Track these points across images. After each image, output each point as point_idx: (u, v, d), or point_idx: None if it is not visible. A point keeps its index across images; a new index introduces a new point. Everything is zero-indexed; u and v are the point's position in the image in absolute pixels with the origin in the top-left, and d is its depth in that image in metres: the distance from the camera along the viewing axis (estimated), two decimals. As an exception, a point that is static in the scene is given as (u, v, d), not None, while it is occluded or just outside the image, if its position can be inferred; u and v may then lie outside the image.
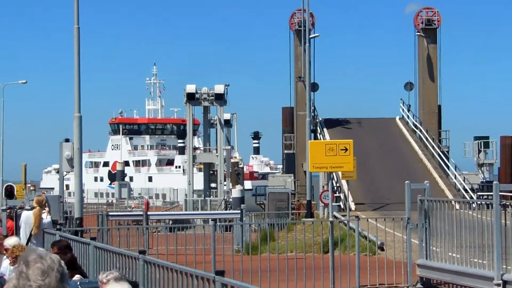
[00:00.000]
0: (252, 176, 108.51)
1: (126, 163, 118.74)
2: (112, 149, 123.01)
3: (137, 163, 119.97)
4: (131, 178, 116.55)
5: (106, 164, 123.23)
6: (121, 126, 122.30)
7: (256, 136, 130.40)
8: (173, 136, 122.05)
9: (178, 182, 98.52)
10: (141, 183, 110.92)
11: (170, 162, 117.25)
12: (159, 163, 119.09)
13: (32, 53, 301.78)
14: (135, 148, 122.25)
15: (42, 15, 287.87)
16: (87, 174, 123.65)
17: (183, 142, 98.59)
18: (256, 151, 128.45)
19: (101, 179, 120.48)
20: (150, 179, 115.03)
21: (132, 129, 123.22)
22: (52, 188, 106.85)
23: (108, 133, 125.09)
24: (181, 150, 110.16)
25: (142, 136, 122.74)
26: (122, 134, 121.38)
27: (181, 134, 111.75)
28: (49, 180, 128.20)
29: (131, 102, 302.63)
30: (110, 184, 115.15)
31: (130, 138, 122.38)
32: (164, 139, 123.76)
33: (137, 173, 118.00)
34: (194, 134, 76.66)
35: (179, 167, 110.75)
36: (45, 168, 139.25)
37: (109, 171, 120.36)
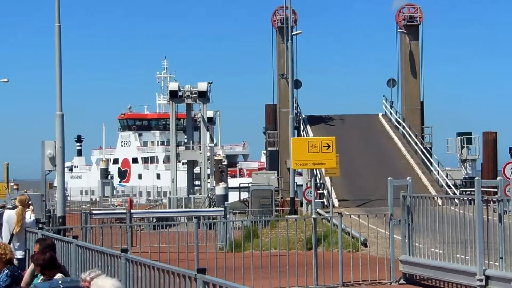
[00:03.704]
0: None
1: (135, 160, 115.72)
2: (122, 146, 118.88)
3: (146, 160, 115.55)
4: (139, 176, 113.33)
5: (116, 161, 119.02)
6: (129, 122, 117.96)
7: None
8: (184, 131, 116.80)
9: (185, 179, 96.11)
10: (149, 181, 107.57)
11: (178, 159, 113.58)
12: (167, 159, 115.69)
13: (20, 51, 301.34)
14: (145, 144, 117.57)
15: (41, 14, 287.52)
16: (98, 172, 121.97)
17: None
18: None
19: (112, 177, 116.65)
20: (158, 176, 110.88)
21: (142, 125, 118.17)
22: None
23: (118, 130, 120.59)
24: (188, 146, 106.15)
25: (151, 132, 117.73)
26: (131, 130, 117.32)
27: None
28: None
29: (143, 98, 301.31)
30: (120, 182, 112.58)
31: (140, 134, 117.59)
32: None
33: (146, 170, 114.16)
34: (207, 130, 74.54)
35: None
36: None
37: (119, 169, 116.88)
